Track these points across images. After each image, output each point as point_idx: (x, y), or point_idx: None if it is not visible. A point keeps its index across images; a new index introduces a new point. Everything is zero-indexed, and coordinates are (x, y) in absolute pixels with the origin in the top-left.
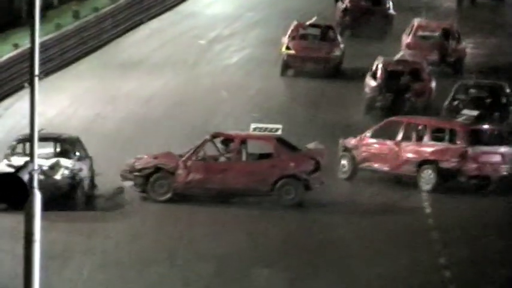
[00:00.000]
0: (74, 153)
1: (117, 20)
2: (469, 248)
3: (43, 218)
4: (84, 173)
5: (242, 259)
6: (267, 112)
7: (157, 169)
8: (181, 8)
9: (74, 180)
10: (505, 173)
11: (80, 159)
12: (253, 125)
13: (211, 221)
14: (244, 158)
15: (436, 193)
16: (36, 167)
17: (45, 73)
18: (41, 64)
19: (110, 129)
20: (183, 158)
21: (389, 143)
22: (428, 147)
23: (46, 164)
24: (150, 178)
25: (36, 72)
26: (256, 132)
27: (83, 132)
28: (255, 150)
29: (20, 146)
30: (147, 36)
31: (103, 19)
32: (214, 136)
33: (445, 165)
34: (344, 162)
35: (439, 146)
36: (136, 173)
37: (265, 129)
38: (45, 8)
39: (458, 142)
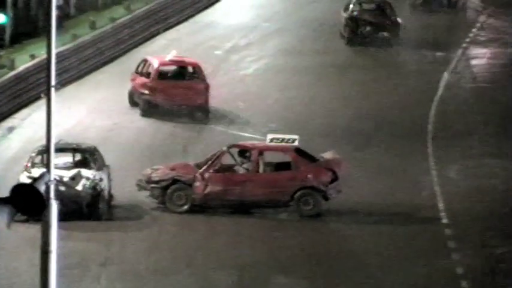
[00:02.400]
0: (93, 163)
1: (134, 31)
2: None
3: (61, 227)
4: (105, 182)
5: (261, 269)
6: (284, 122)
7: (174, 181)
8: (199, 18)
9: (95, 191)
10: None
11: (99, 169)
12: (270, 136)
13: (229, 231)
14: (262, 169)
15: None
16: (52, 178)
17: (62, 83)
18: (58, 74)
19: (128, 139)
20: (201, 170)
21: None
22: None
23: (67, 174)
24: (168, 190)
25: (53, 82)
26: (274, 143)
27: (101, 142)
28: (271, 158)
29: (39, 157)
30: (164, 47)
31: (120, 29)
32: (231, 147)
33: None
34: None
35: None
36: (154, 185)
37: (282, 139)
38: (62, 19)
39: None
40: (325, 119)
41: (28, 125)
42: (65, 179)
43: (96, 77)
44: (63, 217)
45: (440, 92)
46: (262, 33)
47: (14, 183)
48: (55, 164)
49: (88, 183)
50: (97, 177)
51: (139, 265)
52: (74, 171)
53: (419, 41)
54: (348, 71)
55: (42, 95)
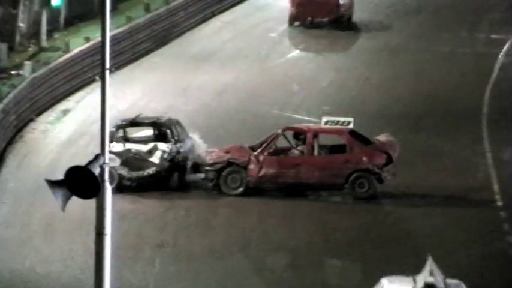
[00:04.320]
0: (171, 136)
1: (189, 13)
2: None
3: (115, 209)
4: (183, 155)
5: (315, 251)
6: (339, 104)
7: (229, 164)
8: (253, 0)
9: (172, 163)
10: None
11: (177, 141)
12: (324, 118)
13: (283, 214)
14: (316, 151)
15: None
16: (107, 161)
17: (117, 66)
18: (112, 57)
19: (183, 121)
20: (255, 153)
21: None
22: None
23: (144, 148)
24: (222, 172)
25: (107, 65)
26: (329, 126)
27: None
28: (325, 141)
29: (120, 132)
30: (219, 29)
31: (174, 12)
32: (286, 130)
33: None
34: None
35: None
36: (208, 168)
37: (337, 122)
38: (116, 1)
39: None
40: (379, 101)
41: (82, 108)
42: (142, 152)
43: (150, 60)
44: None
45: (495, 74)
46: None
47: (68, 165)
48: (135, 138)
49: (165, 155)
50: (174, 150)
51: (194, 247)
52: (151, 144)
53: (473, 23)
54: (401, 54)
55: (97, 78)
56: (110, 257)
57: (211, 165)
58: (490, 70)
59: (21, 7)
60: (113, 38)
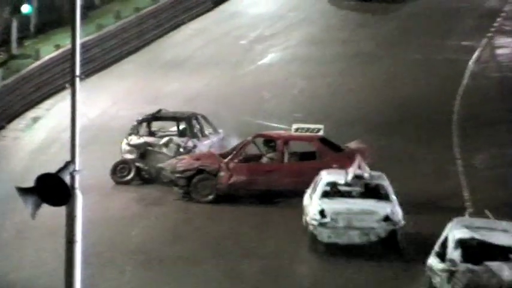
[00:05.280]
0: (190, 131)
1: (159, 20)
2: None
3: (85, 216)
4: (200, 149)
5: (285, 257)
6: (310, 112)
7: (199, 171)
8: (224, 7)
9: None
10: None
11: (195, 136)
12: (294, 126)
13: (254, 221)
14: (286, 158)
15: None
16: (77, 168)
17: (87, 73)
18: (83, 64)
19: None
20: (226, 160)
21: None
22: None
23: (160, 141)
24: (193, 180)
25: (77, 72)
26: (299, 133)
27: (126, 132)
28: (296, 148)
29: (142, 126)
30: (189, 37)
31: (145, 19)
32: (256, 137)
33: None
34: None
35: None
36: (179, 175)
37: (307, 129)
38: (86, 8)
39: None
40: (350, 108)
41: (53, 115)
42: (160, 144)
43: (120, 67)
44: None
45: (465, 81)
46: (287, 23)
47: (39, 173)
48: (167, 132)
49: (180, 149)
50: (189, 144)
51: (165, 254)
52: (166, 138)
53: (444, 30)
54: (373, 61)
55: (67, 85)
56: (81, 265)
57: (181, 172)
58: (460, 77)
59: None
60: (83, 46)
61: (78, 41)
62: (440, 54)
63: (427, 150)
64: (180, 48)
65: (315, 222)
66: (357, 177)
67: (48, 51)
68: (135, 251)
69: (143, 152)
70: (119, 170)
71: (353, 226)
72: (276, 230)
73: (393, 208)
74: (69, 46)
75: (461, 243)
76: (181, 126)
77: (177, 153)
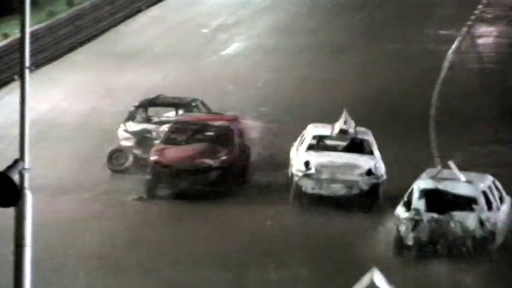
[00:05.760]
0: None
1: (115, 7)
2: None
3: (35, 218)
4: None
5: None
6: (276, 106)
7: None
8: None
9: None
10: None
11: None
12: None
13: (215, 222)
14: None
15: None
16: (26, 166)
17: (37, 65)
18: (32, 55)
19: (107, 124)
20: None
21: None
22: None
23: (160, 128)
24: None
25: (27, 63)
26: None
27: (78, 127)
28: None
29: (139, 111)
30: (147, 25)
31: (99, 6)
32: None
33: None
34: None
35: None
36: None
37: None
38: None
39: None
40: (319, 102)
41: (0, 109)
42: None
43: (73, 58)
44: None
45: (443, 73)
46: (252, 10)
47: None
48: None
49: None
50: None
51: (120, 259)
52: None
53: (421, 18)
54: (344, 51)
55: (16, 77)
56: (31, 270)
57: None
58: (438, 69)
59: None
60: (33, 35)
61: (28, 30)
62: (417, 45)
63: (402, 147)
64: (137, 38)
65: (300, 174)
66: (343, 132)
67: None
68: (89, 256)
69: (141, 139)
70: (115, 158)
71: (336, 179)
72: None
73: (376, 163)
74: (18, 35)
75: (425, 193)
76: (180, 112)
77: None
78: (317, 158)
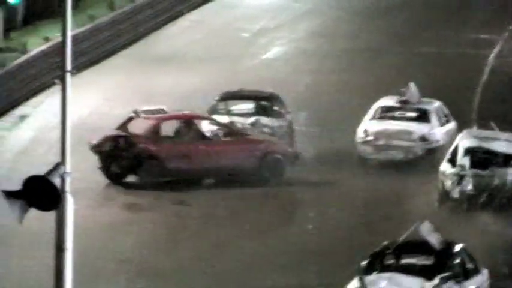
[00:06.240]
0: (272, 111)
1: (156, 11)
2: None
3: (75, 222)
4: (283, 130)
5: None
6: (315, 110)
7: None
8: None
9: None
10: None
11: (278, 116)
12: None
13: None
14: None
15: None
16: (68, 170)
17: (78, 68)
18: (73, 59)
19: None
20: None
21: None
22: None
23: (246, 121)
24: None
25: (68, 67)
26: None
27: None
28: None
29: (222, 104)
30: (187, 28)
31: (140, 10)
32: None
33: None
34: None
35: None
36: None
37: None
38: None
39: None
40: (358, 106)
41: (41, 113)
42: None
43: (113, 61)
44: None
45: (485, 77)
46: (292, 15)
47: (26, 175)
48: (237, 110)
49: (266, 130)
50: (275, 124)
51: (160, 263)
52: (253, 118)
53: (461, 22)
54: (383, 55)
55: (57, 81)
56: (72, 274)
57: None
58: (479, 73)
59: None
60: (74, 38)
61: (69, 33)
62: (457, 48)
63: None
64: (178, 41)
65: (360, 140)
66: (404, 102)
67: (37, 44)
68: (128, 261)
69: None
70: None
71: (391, 144)
72: None
73: (431, 129)
74: (58, 39)
75: (469, 151)
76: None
77: (264, 133)
78: (375, 126)
